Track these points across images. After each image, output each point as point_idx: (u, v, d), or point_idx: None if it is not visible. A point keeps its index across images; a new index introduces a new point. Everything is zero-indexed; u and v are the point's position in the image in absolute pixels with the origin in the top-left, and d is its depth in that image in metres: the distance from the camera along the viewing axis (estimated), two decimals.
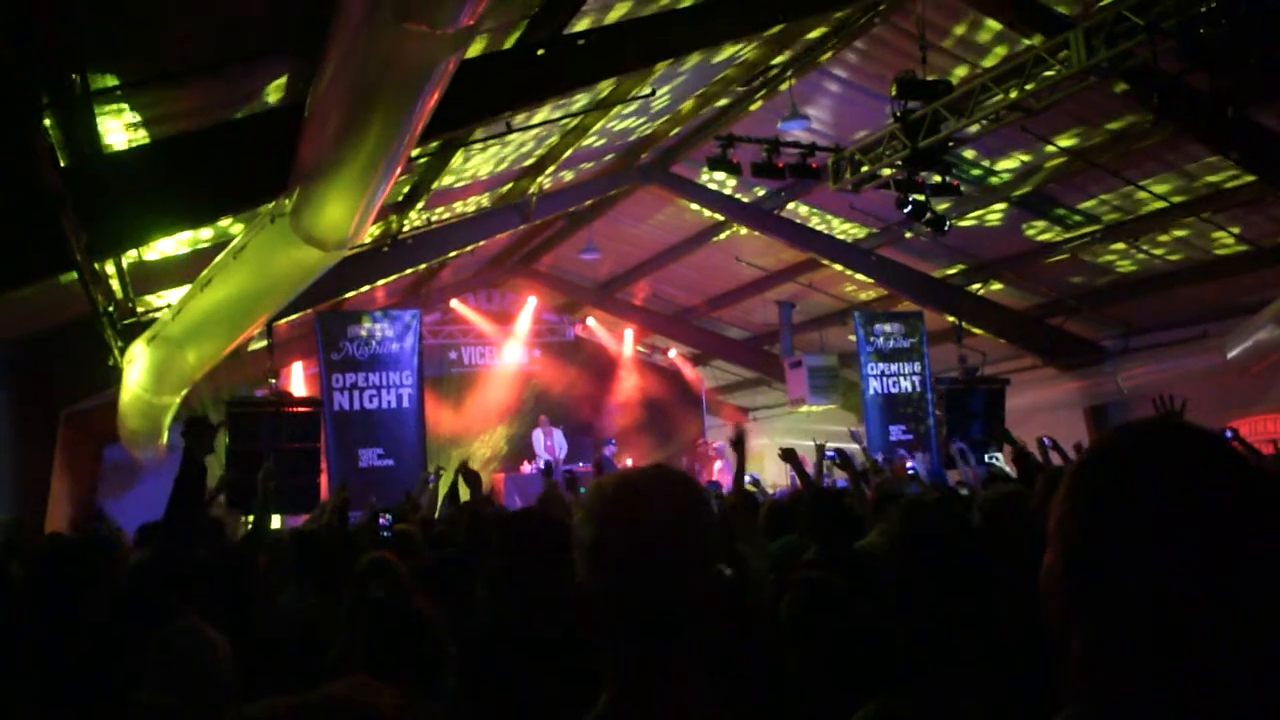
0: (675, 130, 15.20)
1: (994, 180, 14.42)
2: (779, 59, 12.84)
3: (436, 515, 8.96)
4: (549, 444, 20.38)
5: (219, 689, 3.18)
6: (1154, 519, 1.23)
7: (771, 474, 16.68)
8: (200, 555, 4.67)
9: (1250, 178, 12.42)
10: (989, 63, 11.93)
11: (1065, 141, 12.87)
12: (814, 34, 12.19)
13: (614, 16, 9.96)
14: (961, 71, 12.17)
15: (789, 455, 7.27)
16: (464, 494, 7.18)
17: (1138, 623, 1.22)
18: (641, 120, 14.47)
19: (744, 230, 17.94)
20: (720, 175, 13.98)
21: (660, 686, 1.65)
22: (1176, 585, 1.20)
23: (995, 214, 15.34)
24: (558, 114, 12.27)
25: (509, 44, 9.56)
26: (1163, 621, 1.21)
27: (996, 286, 17.79)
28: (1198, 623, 1.19)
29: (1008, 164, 13.91)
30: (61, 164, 7.14)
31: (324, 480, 14.56)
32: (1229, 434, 8.15)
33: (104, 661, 2.85)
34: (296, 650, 3.71)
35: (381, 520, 9.74)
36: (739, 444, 6.15)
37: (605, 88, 11.68)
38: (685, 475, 1.88)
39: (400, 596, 3.57)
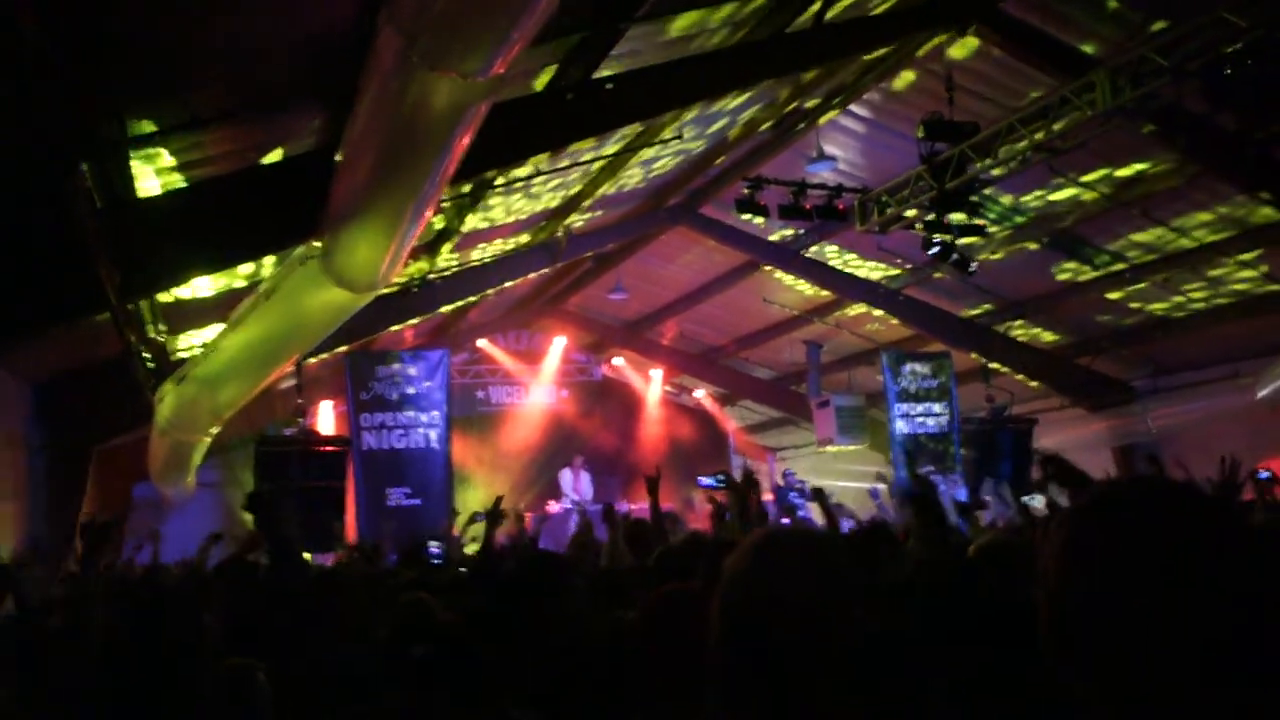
0: (703, 172, 15.27)
1: (1021, 220, 14.42)
2: (808, 102, 12.92)
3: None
4: (577, 484, 20.36)
5: None
6: (1125, 572, 1.25)
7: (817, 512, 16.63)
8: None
9: (1278, 216, 12.38)
10: (1016, 104, 11.97)
11: (1092, 181, 12.86)
12: (840, 76, 12.26)
13: (642, 62, 10.04)
14: (988, 112, 12.20)
15: (819, 494, 7.33)
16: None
17: (1117, 673, 1.24)
18: (669, 162, 14.55)
19: (771, 271, 17.99)
20: (747, 216, 14.04)
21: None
22: (1150, 639, 1.22)
23: (1023, 254, 15.33)
24: (587, 156, 12.37)
25: (538, 88, 9.66)
26: (1143, 675, 1.23)
27: (1024, 326, 17.74)
28: (1171, 675, 1.21)
29: (1035, 204, 13.91)
30: (97, 206, 7.26)
31: (350, 519, 14.61)
32: (1263, 474, 8.07)
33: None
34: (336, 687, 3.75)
35: (432, 548, 9.83)
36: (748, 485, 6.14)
37: (633, 130, 11.77)
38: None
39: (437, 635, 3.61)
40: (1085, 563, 1.30)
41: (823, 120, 13.17)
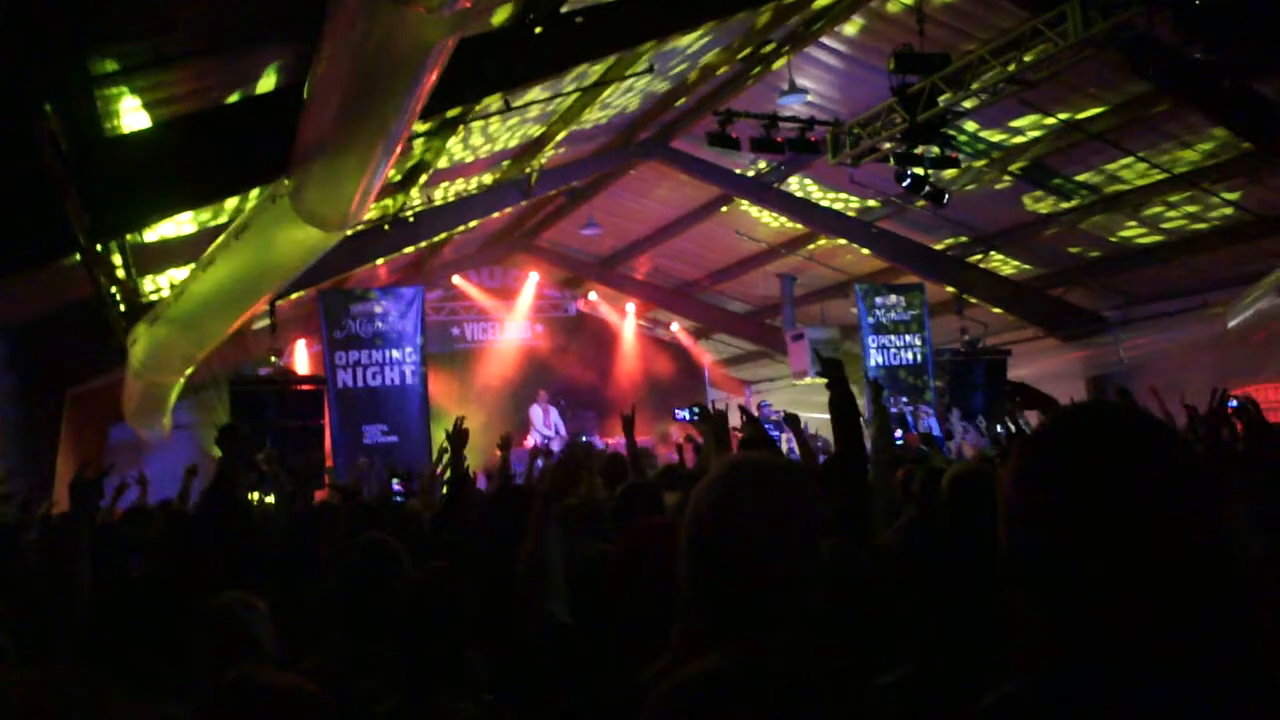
0: (685, 98, 15.17)
1: (992, 152, 14.41)
2: (765, 47, 12.86)
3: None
4: (547, 419, 20.37)
5: (264, 656, 3.30)
6: (1080, 498, 1.28)
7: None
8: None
9: (1249, 147, 12.41)
10: (987, 35, 11.91)
11: (1064, 113, 12.86)
12: (814, 6, 12.18)
13: None
14: (960, 45, 12.15)
15: (792, 420, 7.41)
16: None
17: (1072, 598, 1.27)
18: (640, 96, 14.46)
19: (744, 204, 17.96)
20: (720, 150, 13.98)
21: (771, 645, 1.77)
22: (1106, 565, 1.25)
23: (995, 186, 15.33)
24: (567, 87, 12.27)
25: (506, 22, 9.56)
26: (1097, 600, 1.25)
27: (997, 258, 17.79)
28: (1130, 600, 1.24)
29: (1007, 136, 13.90)
30: (63, 148, 7.19)
31: (328, 457, 14.63)
32: (1233, 403, 8.17)
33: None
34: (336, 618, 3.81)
35: (395, 485, 9.85)
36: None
37: (604, 65, 11.68)
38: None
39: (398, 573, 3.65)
40: (1037, 488, 1.32)
41: (778, 64, 13.11)
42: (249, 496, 9.71)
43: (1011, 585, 1.33)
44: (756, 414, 19.35)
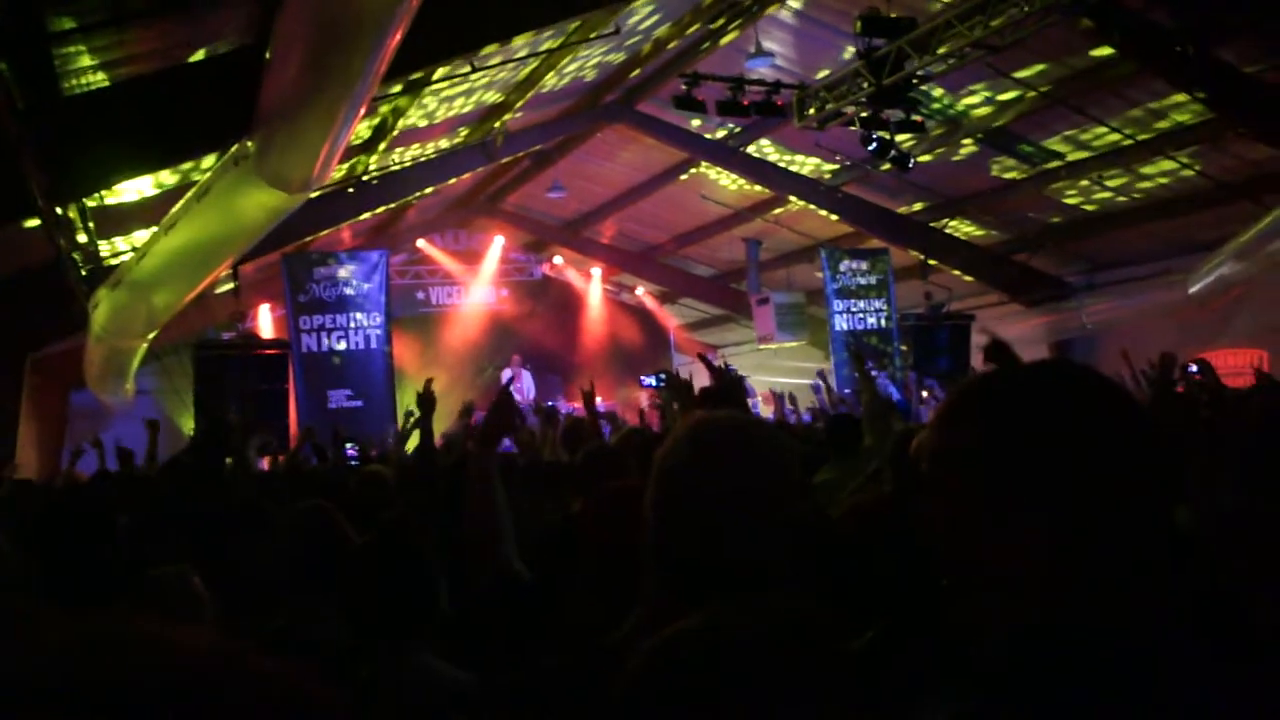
0: (640, 69, 15.10)
1: (958, 117, 14.41)
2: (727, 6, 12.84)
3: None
4: (519, 385, 20.33)
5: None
6: (994, 429, 1.26)
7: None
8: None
9: (1212, 115, 12.46)
10: None
11: (1030, 79, 12.87)
12: None
13: None
14: (927, 7, 12.12)
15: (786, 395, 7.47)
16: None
17: (1013, 550, 1.26)
18: (607, 58, 14.38)
19: (709, 168, 17.92)
20: (685, 113, 13.93)
21: (756, 606, 1.77)
22: (1053, 520, 1.22)
23: (960, 151, 15.35)
24: (522, 52, 12.18)
25: None
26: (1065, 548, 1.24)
27: (962, 223, 17.84)
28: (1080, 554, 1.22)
29: (973, 101, 13.91)
30: (19, 108, 7.07)
31: (293, 422, 14.56)
32: (1193, 368, 8.26)
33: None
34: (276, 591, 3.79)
35: (348, 450, 9.84)
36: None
37: (570, 25, 11.59)
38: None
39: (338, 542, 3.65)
40: (957, 421, 1.31)
41: (725, 40, 13.08)
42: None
43: (933, 531, 1.32)
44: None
